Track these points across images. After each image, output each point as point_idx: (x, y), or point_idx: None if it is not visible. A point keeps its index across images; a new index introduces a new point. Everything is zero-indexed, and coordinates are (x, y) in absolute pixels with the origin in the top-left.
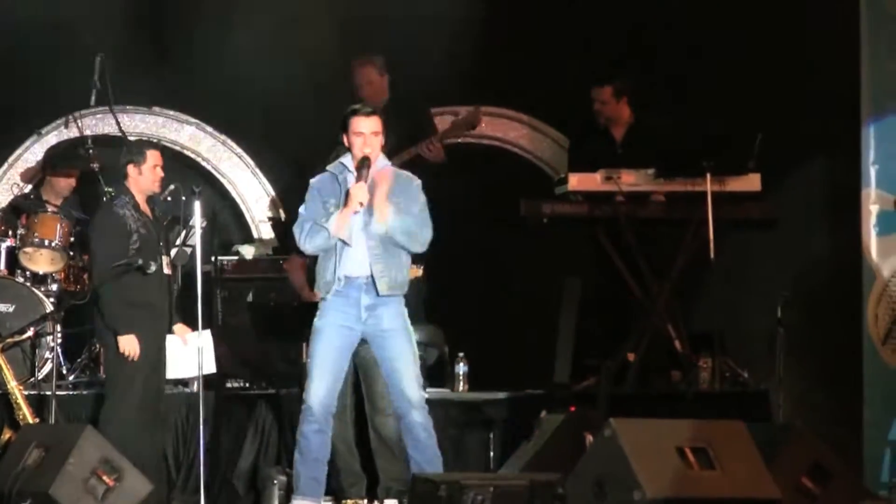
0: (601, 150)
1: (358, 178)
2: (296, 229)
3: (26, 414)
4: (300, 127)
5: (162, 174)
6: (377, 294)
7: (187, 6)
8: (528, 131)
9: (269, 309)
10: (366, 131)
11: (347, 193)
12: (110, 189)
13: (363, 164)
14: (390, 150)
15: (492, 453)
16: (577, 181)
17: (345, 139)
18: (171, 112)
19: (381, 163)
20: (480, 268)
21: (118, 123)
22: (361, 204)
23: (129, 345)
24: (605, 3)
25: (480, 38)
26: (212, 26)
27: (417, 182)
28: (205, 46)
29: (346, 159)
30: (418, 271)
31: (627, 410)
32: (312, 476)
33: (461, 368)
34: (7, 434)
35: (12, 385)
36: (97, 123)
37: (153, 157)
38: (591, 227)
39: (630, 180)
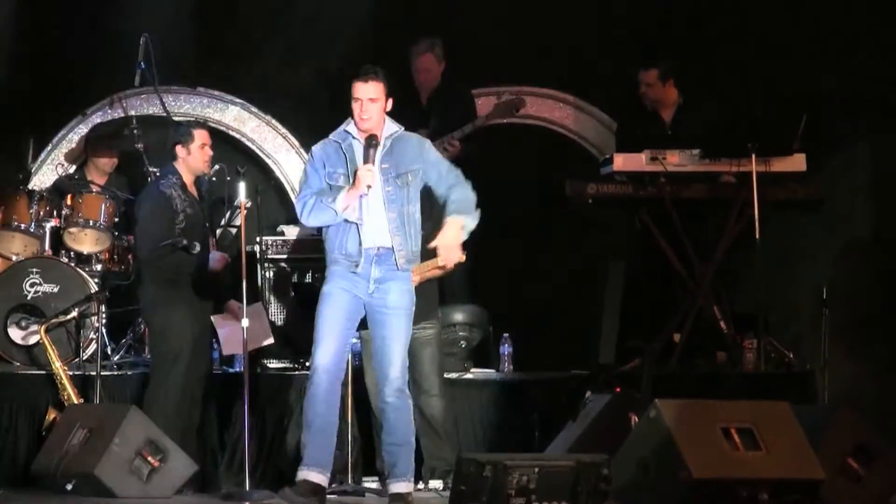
0: (650, 132)
1: (366, 159)
2: (298, 203)
3: (71, 394)
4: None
5: (210, 153)
6: (389, 267)
7: None
8: (573, 111)
9: (313, 289)
10: (363, 97)
11: (356, 173)
12: (155, 169)
13: (371, 143)
14: (432, 134)
15: (537, 434)
16: (622, 162)
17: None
18: (216, 92)
19: (390, 128)
20: (525, 248)
21: (163, 103)
22: (369, 187)
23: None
24: None
25: (526, 17)
26: (258, 6)
27: (427, 143)
28: (249, 26)
29: (350, 126)
30: (462, 256)
31: (672, 391)
32: (320, 445)
33: (506, 349)
34: (52, 414)
35: (57, 365)
36: (142, 104)
37: (200, 136)
38: (636, 208)
39: (675, 161)
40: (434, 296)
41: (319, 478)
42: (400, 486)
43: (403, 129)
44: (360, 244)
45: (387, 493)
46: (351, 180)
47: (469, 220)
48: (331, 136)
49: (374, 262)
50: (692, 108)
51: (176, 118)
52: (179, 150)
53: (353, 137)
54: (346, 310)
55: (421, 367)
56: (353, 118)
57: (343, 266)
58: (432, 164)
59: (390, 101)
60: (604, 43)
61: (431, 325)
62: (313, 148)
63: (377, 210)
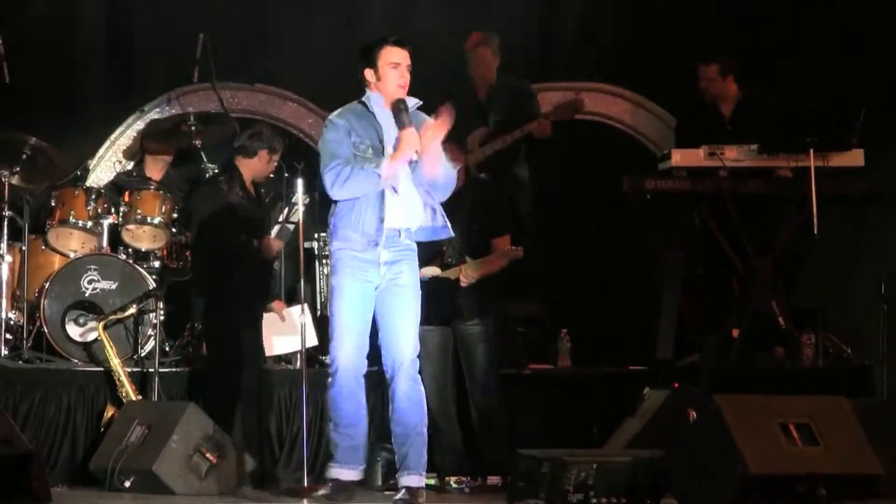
0: (711, 128)
1: (400, 124)
2: (329, 172)
3: (129, 391)
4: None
5: (274, 169)
6: (398, 248)
7: None
8: (630, 107)
9: None
10: (402, 62)
11: (398, 139)
12: (212, 166)
13: (401, 107)
14: (492, 131)
15: (594, 430)
16: (680, 157)
17: (368, 73)
18: (274, 88)
19: (412, 101)
20: (583, 243)
21: (220, 100)
22: (417, 152)
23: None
24: None
25: (584, 11)
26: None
27: (428, 118)
28: (308, 23)
29: (373, 98)
30: (518, 251)
31: (730, 386)
32: (349, 444)
33: (564, 344)
34: (110, 411)
35: (115, 362)
36: (199, 100)
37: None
38: (694, 203)
39: (733, 156)
40: (490, 292)
41: (351, 475)
42: (412, 480)
43: (420, 102)
44: (382, 221)
45: (398, 485)
46: (379, 153)
47: (445, 169)
48: (352, 105)
49: (384, 245)
50: (752, 103)
51: (233, 115)
52: (264, 154)
53: (379, 107)
54: (362, 303)
55: (476, 363)
56: (378, 88)
57: (354, 248)
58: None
59: None
60: (663, 37)
61: (487, 321)
62: (332, 118)
63: (402, 188)
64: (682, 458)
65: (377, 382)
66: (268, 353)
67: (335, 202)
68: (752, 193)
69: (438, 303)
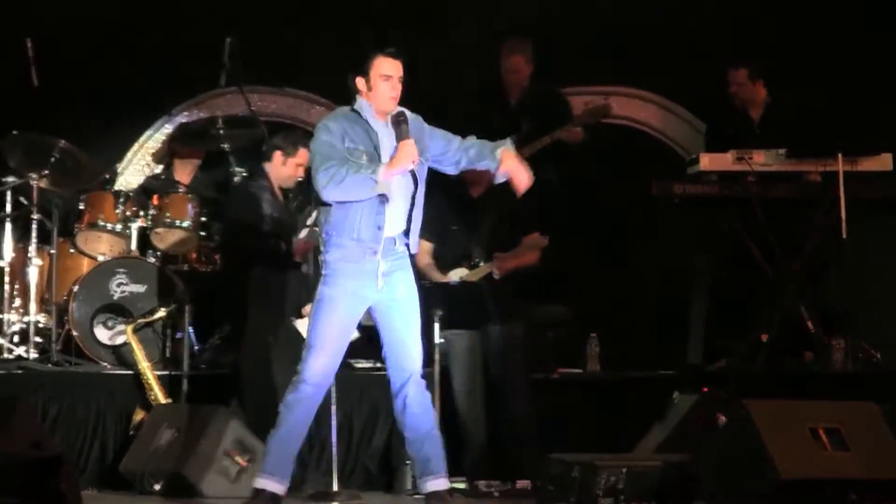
0: (740, 132)
1: (399, 136)
2: (322, 173)
3: (158, 394)
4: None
5: (302, 174)
6: (395, 257)
7: None
8: (658, 111)
9: None
10: (395, 74)
11: (396, 149)
12: (240, 169)
13: (400, 119)
14: (525, 136)
15: (624, 434)
16: (708, 161)
17: (359, 82)
18: (303, 92)
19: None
20: (611, 247)
21: (248, 103)
22: (414, 163)
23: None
24: None
25: (612, 14)
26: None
27: (419, 117)
28: (336, 25)
29: (362, 105)
30: (544, 240)
31: (759, 391)
32: (286, 455)
33: (593, 348)
34: (139, 414)
35: (144, 365)
36: (227, 104)
37: (302, 155)
38: (723, 207)
39: (761, 160)
40: (519, 295)
41: (281, 488)
42: (438, 484)
43: (403, 110)
44: (380, 228)
45: (423, 492)
46: (375, 159)
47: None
48: (345, 111)
49: (381, 254)
50: (781, 108)
51: (262, 118)
52: (278, 156)
53: (370, 115)
54: (345, 321)
55: (506, 368)
56: (368, 98)
57: (351, 258)
58: (435, 134)
59: None
60: (690, 41)
61: (516, 324)
62: (326, 122)
63: (399, 192)
64: (712, 463)
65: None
66: None
67: (330, 211)
68: (780, 197)
69: (467, 306)
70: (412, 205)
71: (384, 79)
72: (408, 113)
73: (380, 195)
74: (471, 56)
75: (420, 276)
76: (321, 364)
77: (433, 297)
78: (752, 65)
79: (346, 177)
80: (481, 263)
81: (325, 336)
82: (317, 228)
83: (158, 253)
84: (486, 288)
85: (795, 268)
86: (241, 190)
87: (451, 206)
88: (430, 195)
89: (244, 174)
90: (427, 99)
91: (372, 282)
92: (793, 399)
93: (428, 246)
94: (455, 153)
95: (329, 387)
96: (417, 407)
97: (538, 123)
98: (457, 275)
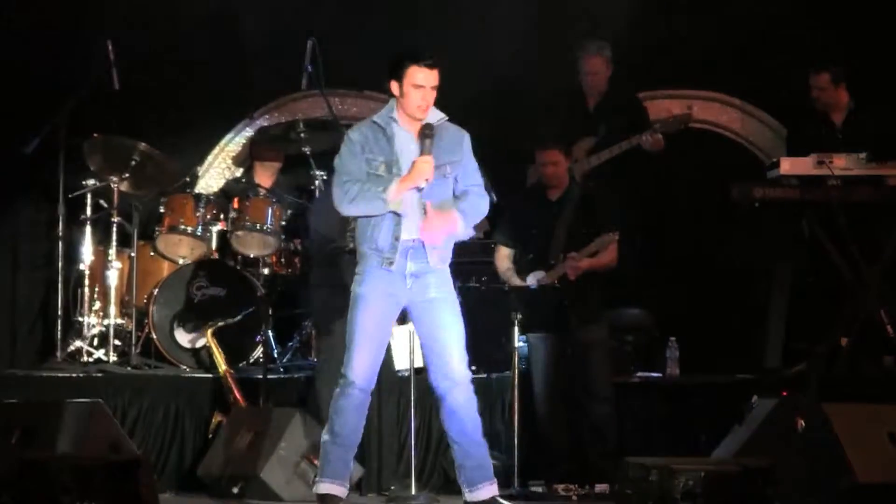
0: (822, 137)
1: (422, 150)
2: (337, 189)
3: (237, 398)
4: (511, 112)
5: None
6: (423, 261)
7: None
8: (739, 115)
9: (478, 293)
10: (427, 85)
11: (414, 164)
12: (321, 173)
13: (427, 133)
14: (601, 141)
15: (702, 438)
16: (789, 165)
17: (393, 86)
18: (383, 95)
19: (436, 115)
20: (692, 251)
21: (329, 107)
22: (427, 181)
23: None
24: None
25: (693, 19)
26: (424, 9)
27: (467, 136)
28: (416, 30)
29: (395, 112)
30: (614, 236)
31: (839, 395)
32: (343, 458)
33: (672, 352)
34: (218, 418)
35: (223, 369)
36: (308, 107)
37: None
38: (803, 211)
39: (842, 164)
40: (601, 298)
41: (341, 490)
42: (493, 489)
43: (447, 117)
44: (397, 238)
45: (476, 499)
46: (392, 170)
47: (465, 223)
48: (372, 119)
49: (409, 257)
50: (864, 112)
51: (342, 122)
52: None
53: (397, 124)
54: (380, 316)
55: (590, 371)
56: (400, 104)
57: (375, 262)
58: (467, 158)
59: None
60: (773, 45)
61: (599, 328)
62: (349, 133)
63: (412, 202)
64: (790, 467)
65: (483, 390)
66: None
67: (357, 219)
68: (861, 202)
69: (548, 310)
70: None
71: (415, 88)
72: (452, 127)
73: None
74: (551, 58)
75: (500, 280)
76: (362, 362)
77: (511, 301)
78: (835, 69)
79: (357, 195)
80: (558, 265)
81: (363, 334)
82: None
83: (239, 256)
84: (566, 291)
85: (875, 272)
86: (325, 193)
87: (530, 209)
88: (509, 200)
89: (324, 178)
90: (505, 99)
91: (401, 281)
92: (872, 403)
93: (507, 251)
94: (458, 187)
95: (374, 385)
96: (465, 413)
97: (615, 129)
98: (535, 277)
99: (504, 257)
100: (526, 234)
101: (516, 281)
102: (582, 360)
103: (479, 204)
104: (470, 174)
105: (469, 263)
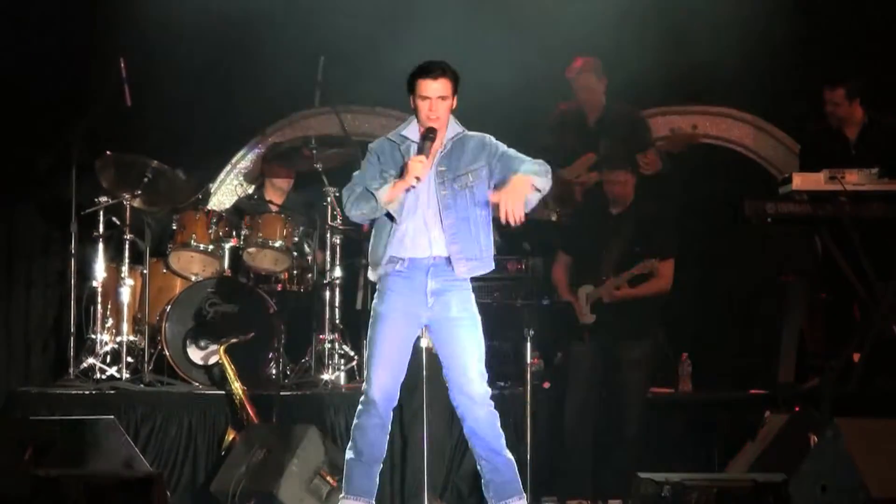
0: (835, 152)
1: (420, 151)
2: (345, 192)
3: (250, 414)
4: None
5: None
6: (446, 277)
7: (410, 6)
8: (751, 130)
9: (492, 308)
10: (432, 95)
11: (405, 165)
12: (333, 189)
13: (428, 136)
14: (602, 157)
15: (715, 453)
16: (800, 181)
17: (410, 101)
18: (395, 111)
19: (454, 129)
20: (704, 267)
21: (341, 123)
22: (418, 179)
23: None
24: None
25: (705, 37)
26: (437, 26)
27: (488, 136)
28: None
29: (410, 129)
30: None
31: (852, 411)
32: (367, 474)
33: (685, 368)
34: (231, 434)
35: (236, 385)
36: (321, 124)
37: None
38: (815, 227)
39: (854, 180)
40: (644, 312)
41: None
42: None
43: (466, 130)
44: (411, 253)
45: None
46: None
47: (540, 180)
48: (389, 135)
49: (430, 274)
50: (878, 127)
51: (354, 138)
52: None
53: (412, 141)
54: (401, 334)
55: (628, 389)
56: (417, 118)
57: (398, 276)
58: (500, 154)
59: (455, 100)
60: (785, 60)
61: (641, 344)
62: (371, 143)
63: (432, 217)
64: (803, 483)
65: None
66: None
67: None
68: (873, 217)
69: (556, 327)
70: (453, 226)
71: (422, 99)
72: (473, 138)
73: (387, 215)
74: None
75: (513, 296)
76: (382, 380)
77: (524, 318)
78: (850, 84)
79: (358, 195)
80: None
81: (383, 352)
82: None
83: (251, 273)
84: (610, 307)
85: (889, 288)
86: None
87: (593, 222)
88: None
89: (336, 194)
90: (506, 117)
91: (421, 299)
92: (885, 419)
93: (566, 259)
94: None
95: (395, 403)
96: (488, 427)
97: (616, 145)
98: (584, 291)
99: (562, 265)
100: (587, 245)
101: (562, 291)
102: (623, 377)
103: (536, 165)
104: (511, 158)
105: (482, 279)
